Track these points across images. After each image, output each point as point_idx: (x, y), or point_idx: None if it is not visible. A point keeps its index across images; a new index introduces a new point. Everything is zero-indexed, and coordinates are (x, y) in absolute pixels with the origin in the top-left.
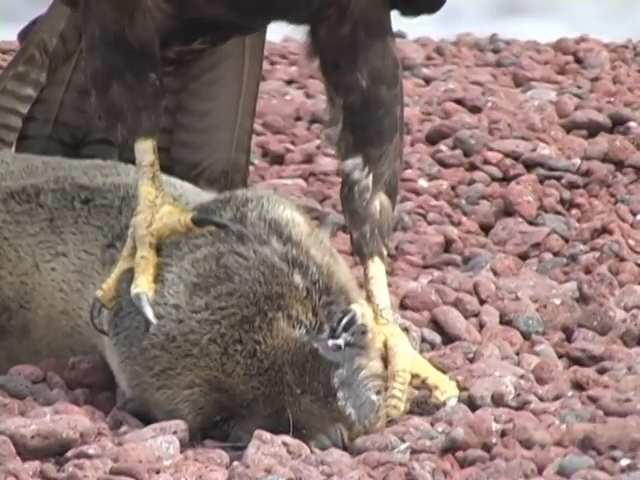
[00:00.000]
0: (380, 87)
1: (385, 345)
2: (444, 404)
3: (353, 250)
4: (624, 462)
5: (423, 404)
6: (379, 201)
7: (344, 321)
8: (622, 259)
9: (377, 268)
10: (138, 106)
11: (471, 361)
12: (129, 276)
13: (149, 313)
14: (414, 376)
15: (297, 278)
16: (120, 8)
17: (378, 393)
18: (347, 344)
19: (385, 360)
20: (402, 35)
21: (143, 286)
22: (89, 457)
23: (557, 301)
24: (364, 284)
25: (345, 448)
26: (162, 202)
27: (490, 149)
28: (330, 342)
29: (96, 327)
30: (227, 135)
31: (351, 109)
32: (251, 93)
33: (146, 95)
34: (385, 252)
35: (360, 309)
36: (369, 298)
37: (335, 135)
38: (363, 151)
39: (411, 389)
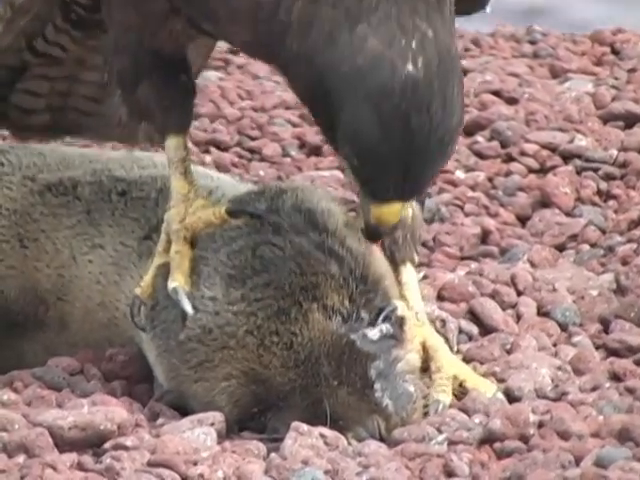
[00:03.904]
0: None
1: (424, 346)
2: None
3: (385, 256)
4: None
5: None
6: (411, 208)
7: (384, 312)
8: None
9: (409, 273)
10: (167, 106)
11: (508, 352)
12: (165, 271)
13: (187, 306)
14: (453, 378)
15: (333, 267)
16: (146, 28)
17: (415, 385)
18: (385, 335)
19: (424, 359)
20: None
21: (179, 280)
22: (126, 449)
23: (594, 292)
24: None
25: (382, 440)
26: (195, 196)
27: (527, 140)
28: (368, 332)
29: (137, 325)
30: None
31: None
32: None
33: (176, 96)
34: (416, 258)
35: (400, 303)
36: None
37: None
38: None
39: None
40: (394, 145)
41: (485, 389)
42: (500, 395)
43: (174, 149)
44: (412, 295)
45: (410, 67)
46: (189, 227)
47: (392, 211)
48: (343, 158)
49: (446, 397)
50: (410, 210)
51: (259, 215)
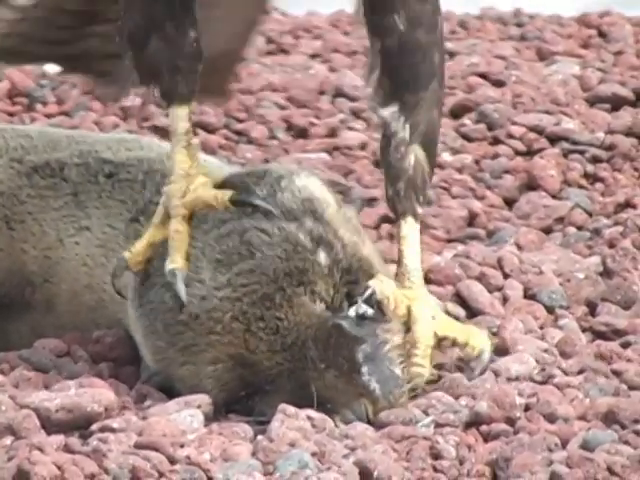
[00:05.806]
0: (418, 31)
1: (408, 311)
2: (478, 358)
3: (388, 207)
4: None
5: (463, 362)
6: (414, 155)
7: (364, 296)
8: None
9: (410, 228)
10: (175, 67)
11: (495, 335)
12: (160, 248)
13: (182, 292)
14: (442, 339)
15: (321, 256)
16: None
17: (402, 367)
18: (368, 318)
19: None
20: None
21: (178, 262)
22: (113, 431)
23: (581, 275)
24: (397, 243)
25: (369, 422)
26: (196, 172)
27: (514, 123)
28: (352, 313)
29: (114, 287)
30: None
31: (388, 53)
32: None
33: (184, 55)
34: (419, 210)
35: (379, 285)
36: (399, 259)
37: (374, 81)
38: (399, 97)
39: (437, 353)
40: None
41: (476, 342)
42: (488, 344)
43: (179, 119)
44: (409, 251)
45: None
46: (188, 205)
47: None
48: None
49: (425, 371)
50: (412, 157)
51: (263, 206)
